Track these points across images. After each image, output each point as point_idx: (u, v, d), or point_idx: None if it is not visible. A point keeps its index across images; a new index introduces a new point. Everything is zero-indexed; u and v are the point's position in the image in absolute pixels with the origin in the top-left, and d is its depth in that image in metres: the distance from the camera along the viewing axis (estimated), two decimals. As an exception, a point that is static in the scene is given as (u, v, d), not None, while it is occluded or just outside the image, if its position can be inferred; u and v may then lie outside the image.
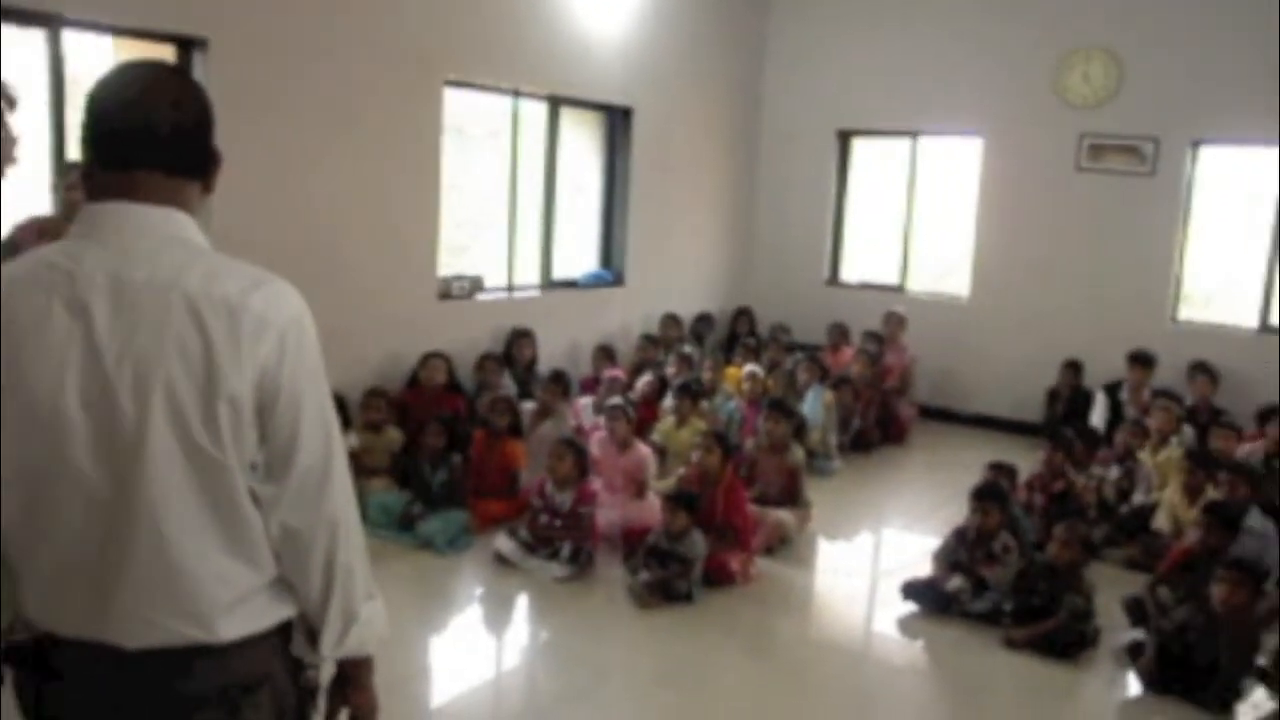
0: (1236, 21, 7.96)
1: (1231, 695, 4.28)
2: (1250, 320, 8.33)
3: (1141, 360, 7.80)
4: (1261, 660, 4.40)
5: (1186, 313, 8.63)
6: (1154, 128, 8.30)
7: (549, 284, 8.14)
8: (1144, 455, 6.56)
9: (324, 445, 1.63)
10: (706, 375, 7.75)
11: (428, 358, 6.57)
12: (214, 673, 1.59)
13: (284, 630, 1.69)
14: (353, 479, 1.74)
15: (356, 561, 1.70)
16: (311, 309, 1.65)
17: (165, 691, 1.58)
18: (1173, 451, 6.57)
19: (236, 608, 1.60)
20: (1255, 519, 5.36)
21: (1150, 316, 8.45)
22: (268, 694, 1.66)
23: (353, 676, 1.81)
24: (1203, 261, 8.64)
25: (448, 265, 7.20)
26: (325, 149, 6.07)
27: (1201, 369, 7.77)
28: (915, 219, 9.54)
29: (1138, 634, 4.69)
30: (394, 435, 6.19)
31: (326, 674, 1.82)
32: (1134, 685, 4.48)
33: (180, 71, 1.80)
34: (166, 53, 5.38)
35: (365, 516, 5.32)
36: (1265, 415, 6.95)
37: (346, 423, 5.89)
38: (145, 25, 5.24)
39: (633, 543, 5.40)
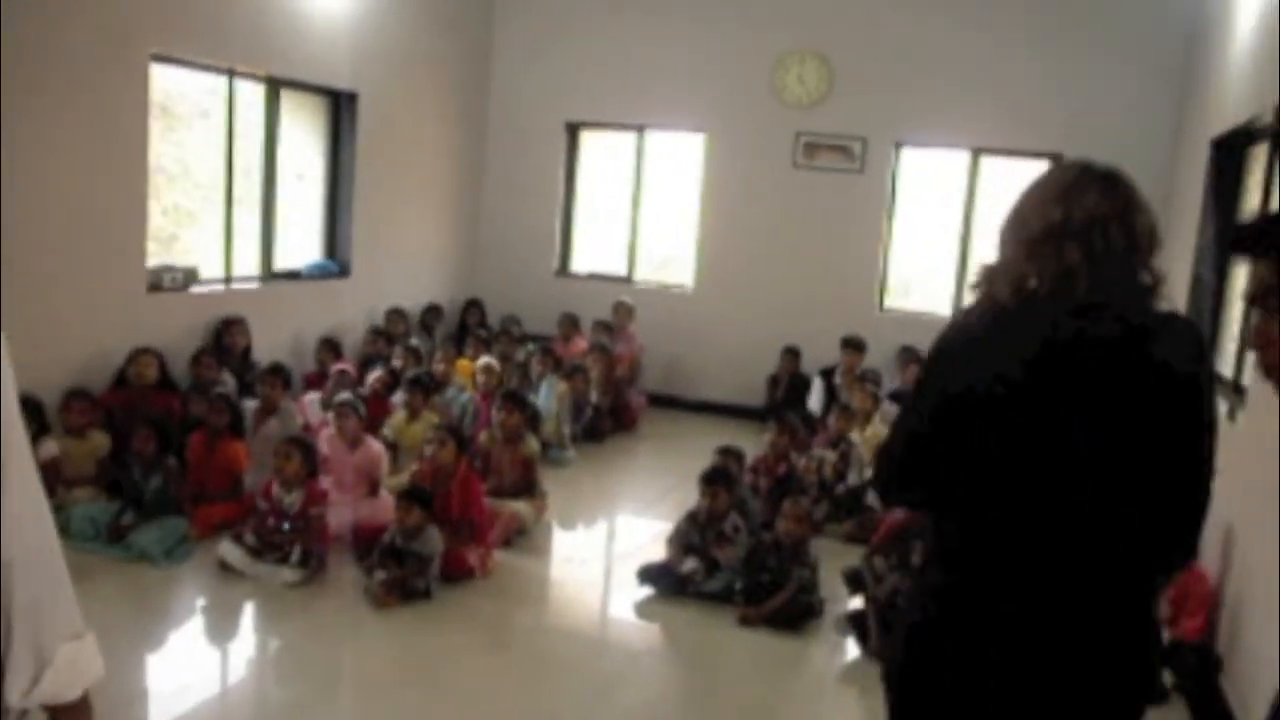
0: (934, 39, 8.63)
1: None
2: (945, 308, 9.05)
3: (853, 345, 8.30)
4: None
5: (891, 301, 9.28)
6: (862, 129, 8.87)
7: (270, 275, 7.75)
8: (855, 436, 6.99)
9: None
10: (439, 368, 7.62)
11: (137, 354, 6.11)
12: None
13: None
14: (50, 494, 1.51)
15: (46, 598, 1.47)
16: None
17: None
18: (876, 428, 7.04)
19: None
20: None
21: (860, 305, 9.03)
22: None
23: None
24: (904, 254, 9.31)
25: (156, 255, 6.70)
26: (10, 124, 5.48)
27: (909, 353, 8.34)
28: (642, 211, 9.75)
29: (857, 602, 4.99)
30: (100, 439, 5.73)
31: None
32: (853, 650, 4.77)
33: None
34: None
35: (67, 531, 4.96)
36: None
37: (44, 428, 5.40)
38: None
39: (367, 542, 5.23)
